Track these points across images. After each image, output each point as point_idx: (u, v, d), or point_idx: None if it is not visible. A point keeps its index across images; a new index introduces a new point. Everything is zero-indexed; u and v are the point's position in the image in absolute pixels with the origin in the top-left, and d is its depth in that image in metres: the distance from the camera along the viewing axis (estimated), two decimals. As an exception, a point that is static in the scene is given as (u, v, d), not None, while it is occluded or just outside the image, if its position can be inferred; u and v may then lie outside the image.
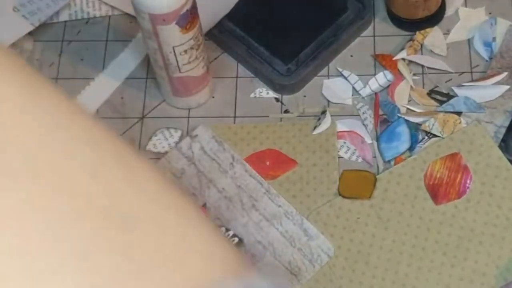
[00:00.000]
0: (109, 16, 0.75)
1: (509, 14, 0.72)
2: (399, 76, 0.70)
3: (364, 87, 0.70)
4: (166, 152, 0.69)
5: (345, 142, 0.68)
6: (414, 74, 0.71)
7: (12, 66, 0.27)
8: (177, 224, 0.27)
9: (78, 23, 0.75)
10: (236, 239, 0.64)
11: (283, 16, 0.72)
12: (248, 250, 0.64)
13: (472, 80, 0.70)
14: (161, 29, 0.62)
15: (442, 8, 0.73)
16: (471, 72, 0.71)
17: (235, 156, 0.68)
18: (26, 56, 0.74)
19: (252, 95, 0.71)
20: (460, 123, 0.68)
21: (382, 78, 0.71)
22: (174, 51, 0.64)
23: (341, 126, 0.69)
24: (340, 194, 0.66)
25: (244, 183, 0.67)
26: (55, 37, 0.75)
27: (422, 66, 0.71)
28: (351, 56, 0.72)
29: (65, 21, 0.75)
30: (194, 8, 0.63)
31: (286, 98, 0.71)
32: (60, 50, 0.74)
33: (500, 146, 0.67)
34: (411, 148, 0.67)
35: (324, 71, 0.72)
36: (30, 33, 0.74)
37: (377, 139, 0.68)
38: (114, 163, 0.26)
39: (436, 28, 0.72)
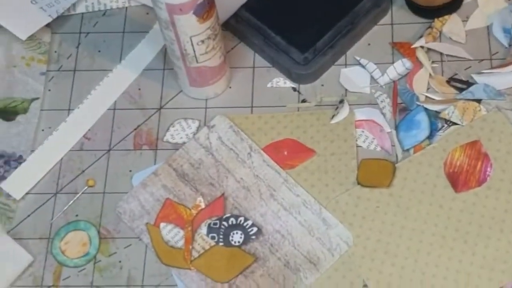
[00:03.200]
0: (126, 8, 0.76)
1: (529, 0, 0.72)
2: (417, 64, 0.70)
3: (382, 75, 0.70)
4: (184, 143, 0.69)
5: (363, 131, 0.68)
6: (433, 62, 0.70)
7: None
8: None
9: (95, 14, 0.75)
10: (255, 229, 0.64)
11: (299, 5, 0.72)
12: (267, 240, 0.64)
13: (492, 67, 0.69)
14: (178, 19, 0.62)
15: (460, -5, 0.72)
16: (491, 59, 0.70)
17: (253, 146, 0.68)
18: (44, 48, 0.74)
19: (269, 84, 0.71)
20: (480, 110, 0.67)
21: (401, 66, 0.70)
22: (191, 41, 0.64)
23: (359, 115, 0.68)
24: (358, 183, 0.65)
25: (262, 172, 0.67)
26: (72, 29, 0.75)
27: (441, 53, 0.70)
28: (369, 44, 0.72)
29: (82, 13, 0.76)
30: (210, -3, 0.63)
31: (303, 87, 0.71)
32: (78, 42, 0.75)
33: (520, 133, 0.66)
34: (430, 136, 0.67)
35: (341, 60, 0.71)
36: (48, 25, 0.74)
37: (396, 127, 0.68)
38: None
39: (454, 15, 0.72)
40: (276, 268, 0.63)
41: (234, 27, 0.72)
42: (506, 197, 0.64)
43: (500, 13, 0.71)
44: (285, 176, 0.66)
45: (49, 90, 0.73)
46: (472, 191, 0.64)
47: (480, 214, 0.63)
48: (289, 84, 0.71)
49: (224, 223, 0.65)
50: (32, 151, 0.70)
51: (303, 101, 0.70)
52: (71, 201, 0.67)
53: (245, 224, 0.65)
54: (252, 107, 0.70)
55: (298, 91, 0.71)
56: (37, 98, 0.72)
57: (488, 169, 0.65)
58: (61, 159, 0.69)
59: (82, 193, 0.68)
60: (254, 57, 0.72)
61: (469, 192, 0.64)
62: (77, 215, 0.67)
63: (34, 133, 0.71)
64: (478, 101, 0.68)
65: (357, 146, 0.67)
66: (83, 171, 0.69)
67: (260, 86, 0.71)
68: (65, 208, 0.67)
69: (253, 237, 0.64)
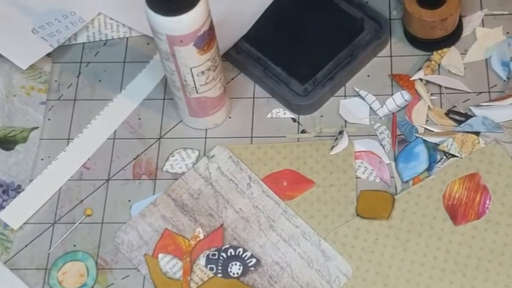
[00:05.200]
0: (127, 38, 0.76)
1: (527, 34, 0.72)
2: (416, 96, 0.70)
3: (381, 107, 0.70)
4: (183, 173, 0.69)
5: (362, 162, 0.68)
6: (432, 94, 0.70)
7: None
8: None
9: (96, 44, 0.76)
10: (254, 260, 0.64)
11: (299, 37, 0.72)
12: (266, 271, 0.64)
13: (490, 100, 0.70)
14: (178, 50, 0.63)
15: (459, 28, 0.72)
16: (489, 92, 0.70)
17: (252, 177, 0.68)
18: (44, 77, 0.74)
19: (269, 115, 0.71)
20: (478, 143, 0.67)
21: (400, 98, 0.70)
22: (191, 72, 0.65)
23: (359, 146, 0.69)
24: (358, 215, 0.65)
25: (262, 203, 0.66)
26: (73, 58, 0.75)
27: (440, 86, 0.71)
28: (368, 76, 0.72)
29: (83, 43, 0.76)
30: (211, 29, 0.63)
31: (303, 118, 0.71)
32: (79, 71, 0.75)
33: (519, 166, 0.66)
34: (429, 168, 0.67)
35: (341, 91, 0.72)
36: (48, 55, 0.75)
37: (395, 159, 0.68)
38: None
39: (453, 48, 0.72)
40: (275, 301, 0.63)
41: (234, 58, 0.73)
42: (505, 230, 0.64)
43: (498, 46, 0.72)
44: (284, 207, 0.66)
45: (49, 119, 0.73)
46: (471, 224, 0.64)
47: (479, 247, 0.63)
48: (288, 114, 0.71)
49: (223, 254, 0.65)
50: (31, 180, 0.70)
51: (303, 131, 0.70)
52: (69, 231, 0.67)
53: (243, 255, 0.64)
54: (251, 137, 0.70)
55: (298, 122, 0.71)
56: (36, 128, 0.72)
57: (487, 202, 0.65)
58: (60, 188, 0.69)
59: (80, 223, 0.68)
60: (254, 88, 0.73)
61: (468, 225, 0.64)
62: (75, 246, 0.66)
63: (33, 162, 0.70)
64: (477, 133, 0.68)
65: (356, 177, 0.67)
66: (82, 200, 0.68)
67: (260, 117, 0.71)
68: (62, 238, 0.67)
69: (252, 268, 0.64)
